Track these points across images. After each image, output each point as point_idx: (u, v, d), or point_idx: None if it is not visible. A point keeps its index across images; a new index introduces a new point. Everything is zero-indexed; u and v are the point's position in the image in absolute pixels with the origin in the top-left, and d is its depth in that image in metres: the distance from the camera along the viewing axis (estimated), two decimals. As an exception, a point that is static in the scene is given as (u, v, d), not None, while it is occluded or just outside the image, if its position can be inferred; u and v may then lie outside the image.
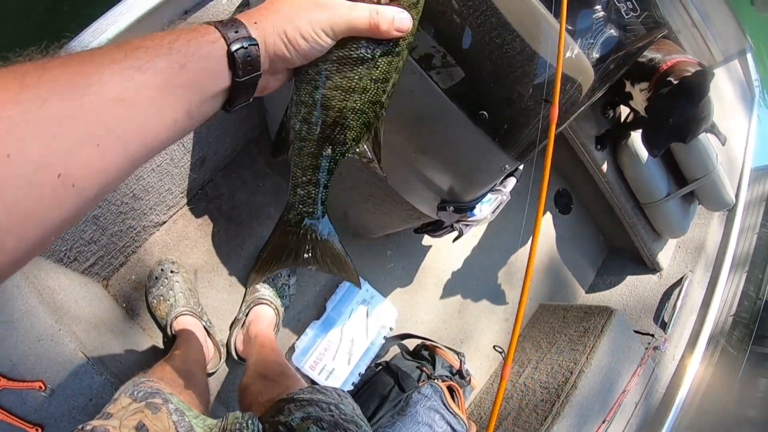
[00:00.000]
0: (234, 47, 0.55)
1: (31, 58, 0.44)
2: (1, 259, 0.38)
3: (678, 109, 1.71)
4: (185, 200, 1.85)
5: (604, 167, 2.23)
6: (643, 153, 2.13)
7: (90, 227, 1.49)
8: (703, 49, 2.17)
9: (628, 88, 1.90)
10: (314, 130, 0.72)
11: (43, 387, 1.19)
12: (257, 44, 0.58)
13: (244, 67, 0.56)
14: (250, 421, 0.92)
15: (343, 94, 0.68)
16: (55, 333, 1.23)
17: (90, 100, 0.41)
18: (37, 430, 1.18)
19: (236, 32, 0.56)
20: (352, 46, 0.65)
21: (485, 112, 1.06)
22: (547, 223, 2.56)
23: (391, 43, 0.67)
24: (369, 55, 0.66)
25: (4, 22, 2.35)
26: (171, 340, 1.64)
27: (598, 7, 1.13)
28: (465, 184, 1.24)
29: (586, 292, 2.63)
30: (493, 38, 1.01)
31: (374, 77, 0.68)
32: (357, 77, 0.67)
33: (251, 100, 0.62)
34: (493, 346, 2.19)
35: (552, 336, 2.17)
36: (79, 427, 0.88)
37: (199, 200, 1.89)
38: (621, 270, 2.67)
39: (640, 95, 1.84)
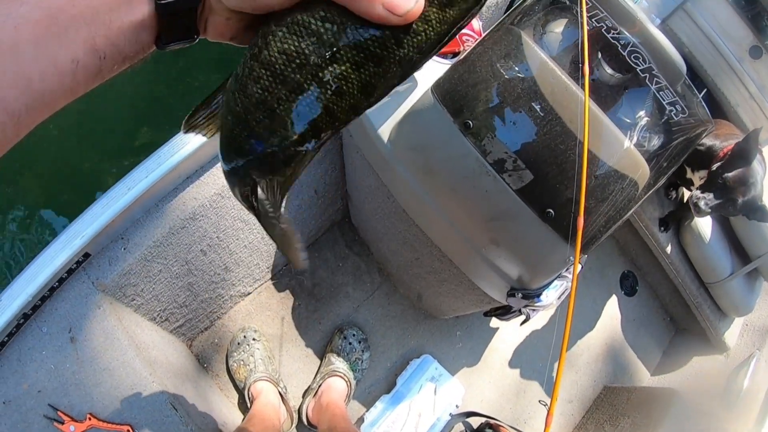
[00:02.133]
0: None
1: None
2: None
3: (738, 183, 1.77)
4: (270, 275, 1.99)
5: (668, 248, 2.25)
6: (707, 232, 2.14)
7: (184, 293, 1.64)
8: (763, 121, 2.17)
9: (689, 174, 1.95)
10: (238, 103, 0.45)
11: (131, 430, 1.30)
12: None
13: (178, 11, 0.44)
14: None
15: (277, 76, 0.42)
16: (148, 383, 1.35)
17: None
18: None
19: None
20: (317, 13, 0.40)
21: (552, 210, 1.17)
22: (612, 305, 2.56)
23: (384, 33, 0.40)
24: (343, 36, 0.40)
25: None
26: (247, 402, 1.74)
27: (648, 109, 1.22)
28: (533, 273, 1.33)
29: (652, 375, 2.60)
30: (558, 144, 1.13)
31: (338, 71, 0.41)
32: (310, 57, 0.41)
33: (195, 39, 0.47)
34: (539, 401, 2.18)
35: (615, 418, 2.16)
36: None
37: (282, 276, 2.04)
38: (687, 351, 2.61)
39: (698, 182, 1.89)
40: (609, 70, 1.25)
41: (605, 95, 1.24)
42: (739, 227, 2.18)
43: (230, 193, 1.38)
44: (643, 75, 1.24)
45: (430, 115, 1.24)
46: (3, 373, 1.29)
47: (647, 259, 2.46)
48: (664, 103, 1.25)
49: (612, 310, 2.57)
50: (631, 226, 2.31)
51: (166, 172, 1.27)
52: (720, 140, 1.84)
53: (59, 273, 1.27)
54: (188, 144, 1.29)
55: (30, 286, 1.22)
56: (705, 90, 2.15)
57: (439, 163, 1.28)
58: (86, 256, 1.33)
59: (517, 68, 1.18)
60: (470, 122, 1.19)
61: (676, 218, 2.23)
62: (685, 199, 2.23)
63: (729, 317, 2.45)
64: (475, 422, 2.03)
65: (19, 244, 2.39)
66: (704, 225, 2.11)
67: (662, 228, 2.22)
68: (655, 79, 1.24)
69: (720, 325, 2.44)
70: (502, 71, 1.18)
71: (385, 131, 1.34)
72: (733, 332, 2.50)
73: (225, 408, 1.77)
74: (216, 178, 1.43)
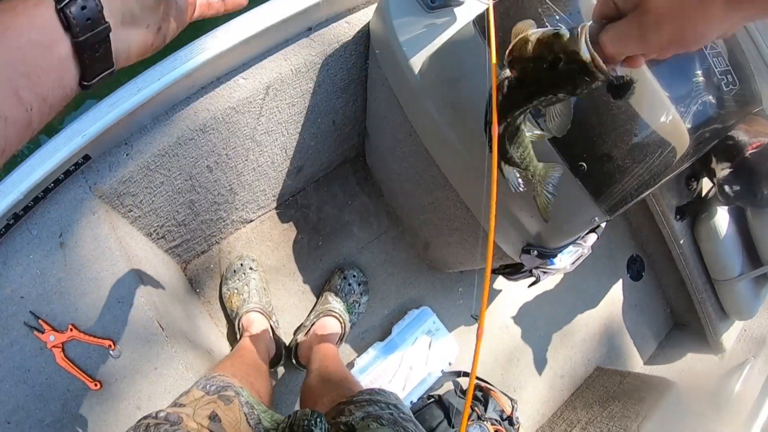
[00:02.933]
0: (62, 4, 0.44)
1: None
2: None
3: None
4: (275, 204, 1.93)
5: (681, 238, 2.21)
6: (722, 228, 2.10)
7: (184, 210, 1.58)
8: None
9: (713, 164, 1.89)
10: None
11: (113, 346, 1.25)
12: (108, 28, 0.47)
13: (82, 22, 0.44)
14: (318, 419, 0.92)
15: None
16: (136, 299, 1.29)
17: None
18: (96, 384, 1.23)
19: (87, 19, 0.45)
20: None
21: (584, 164, 1.10)
22: (616, 288, 2.53)
23: None
24: None
25: None
26: (236, 331, 1.70)
27: (700, 75, 1.14)
28: (554, 230, 1.26)
29: (645, 363, 2.58)
30: (601, 95, 1.05)
31: None
32: None
33: (114, 67, 0.50)
34: (471, 315, 2.16)
35: (606, 400, 2.14)
36: (153, 413, 0.92)
37: (288, 206, 1.97)
38: (683, 346, 2.59)
39: (720, 174, 1.83)
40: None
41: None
42: (756, 229, 2.13)
43: (245, 108, 1.31)
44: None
45: (468, 48, 1.15)
46: (-14, 274, 1.22)
47: (658, 246, 2.41)
48: (716, 70, 1.16)
49: (615, 292, 2.54)
50: (646, 210, 2.26)
51: (179, 77, 1.19)
52: (750, 135, 1.79)
53: (56, 173, 1.19)
54: (208, 50, 1.21)
55: (22, 184, 1.13)
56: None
57: (470, 100, 1.20)
58: (86, 158, 1.24)
59: (569, 9, 1.09)
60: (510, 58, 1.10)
61: (694, 210, 2.19)
62: (704, 192, 2.19)
63: (730, 319, 2.44)
64: (466, 383, 1.99)
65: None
66: (721, 220, 2.06)
67: (678, 217, 2.18)
68: (710, 43, 1.16)
69: (720, 325, 2.41)
70: (550, 10, 1.09)
71: (416, 62, 1.26)
72: (731, 335, 2.48)
73: (213, 335, 1.73)
74: (232, 91, 1.35)
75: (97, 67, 0.47)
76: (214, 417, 0.94)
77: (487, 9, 0.99)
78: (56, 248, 1.25)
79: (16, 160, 1.08)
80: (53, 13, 0.43)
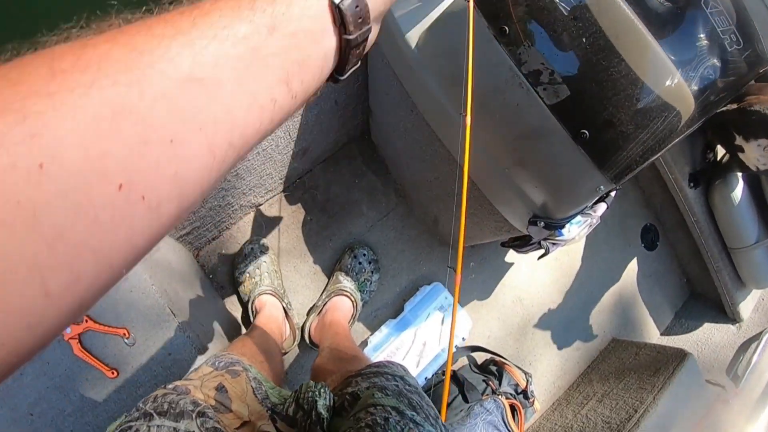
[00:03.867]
0: (347, 38, 0.44)
1: (68, 37, 0.32)
2: (51, 304, 0.27)
3: None
4: (283, 186, 1.93)
5: (695, 206, 2.19)
6: (737, 195, 2.07)
7: (191, 198, 1.58)
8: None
9: (739, 141, 1.86)
10: None
11: (127, 334, 1.27)
12: (369, 28, 0.47)
13: (354, 20, 0.44)
14: (322, 390, 0.92)
15: None
16: (147, 287, 1.30)
17: (153, 83, 0.30)
18: (113, 372, 1.25)
19: (360, 20, 0.45)
20: None
21: (587, 132, 1.09)
22: (629, 258, 2.51)
23: None
24: None
25: None
26: (250, 314, 1.72)
27: (702, 36, 1.12)
28: (559, 200, 1.26)
29: (661, 334, 2.56)
30: (600, 60, 1.04)
31: None
32: None
33: (359, 62, 0.50)
34: (447, 266, 2.13)
35: (621, 372, 2.13)
36: (162, 386, 0.94)
37: (296, 188, 1.98)
38: (700, 315, 2.58)
39: (754, 150, 1.80)
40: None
41: (653, 12, 1.14)
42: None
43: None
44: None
45: (462, 19, 1.13)
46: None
47: (672, 214, 2.39)
48: (718, 30, 1.14)
49: (629, 262, 2.52)
50: (659, 178, 2.23)
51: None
52: None
53: None
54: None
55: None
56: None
57: (467, 71, 1.19)
58: None
59: None
60: (506, 28, 1.09)
61: (707, 177, 2.16)
62: (719, 158, 2.16)
63: (747, 288, 2.41)
64: (480, 357, 2.00)
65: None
66: (736, 187, 2.05)
67: (692, 184, 2.15)
68: (712, 2, 1.14)
69: (737, 294, 2.39)
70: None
71: (413, 36, 1.25)
72: (748, 305, 2.46)
73: (227, 319, 1.75)
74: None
75: (351, 63, 0.47)
76: (220, 388, 0.96)
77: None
78: (63, 238, 1.27)
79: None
80: (325, 6, 0.42)
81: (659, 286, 2.58)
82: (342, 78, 0.48)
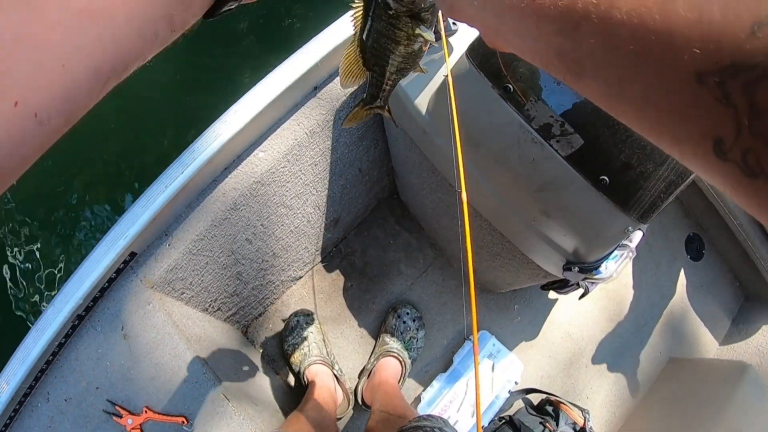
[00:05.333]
0: None
1: None
2: None
3: None
4: (320, 257, 1.99)
5: (736, 209, 2.15)
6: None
7: (233, 282, 1.65)
8: None
9: None
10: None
11: (186, 422, 1.33)
12: None
13: None
14: None
15: None
16: (199, 376, 1.36)
17: (51, 12, 0.33)
18: None
19: None
20: None
21: (606, 177, 1.10)
22: (677, 271, 2.46)
23: None
24: None
25: None
26: (303, 385, 1.76)
27: None
28: (589, 246, 1.26)
29: (720, 344, 2.49)
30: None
31: None
32: None
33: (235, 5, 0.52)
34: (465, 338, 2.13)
35: (682, 393, 2.08)
36: None
37: (333, 257, 2.03)
38: (758, 319, 2.49)
39: None
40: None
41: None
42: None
43: (270, 180, 1.37)
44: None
45: (466, 82, 1.17)
46: (62, 372, 1.33)
47: (714, 220, 2.34)
48: None
49: (677, 276, 2.46)
50: (695, 186, 2.20)
51: (201, 166, 1.26)
52: None
53: (107, 274, 1.29)
54: (221, 136, 1.28)
55: (80, 289, 1.25)
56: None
57: (480, 133, 1.22)
58: (132, 255, 1.34)
59: None
60: (510, 86, 1.12)
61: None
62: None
63: (803, 283, 2.34)
64: (535, 399, 1.99)
65: (68, 245, 2.47)
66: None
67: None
68: None
69: (792, 289, 2.33)
70: None
71: (422, 103, 1.29)
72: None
73: (281, 393, 1.79)
74: (254, 167, 1.42)
75: (226, 2, 0.49)
76: None
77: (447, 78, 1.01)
78: (120, 340, 1.34)
79: (72, 267, 1.19)
80: None
81: (712, 295, 2.53)
82: (216, 15, 0.49)
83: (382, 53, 0.73)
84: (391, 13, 0.65)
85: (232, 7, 0.50)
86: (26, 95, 0.32)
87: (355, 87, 0.82)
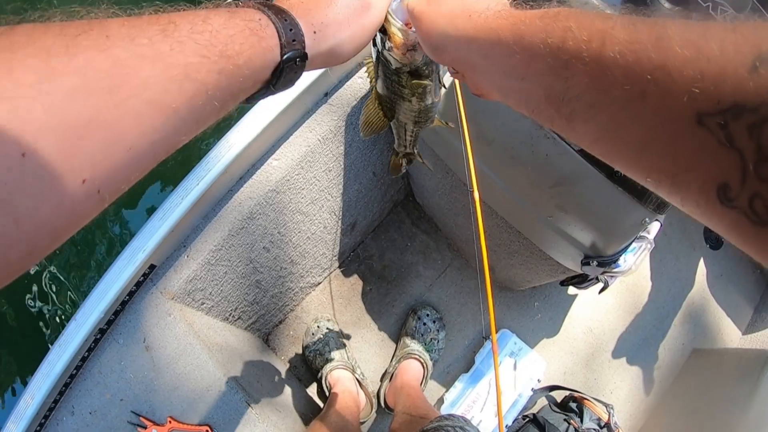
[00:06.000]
0: (286, 59, 0.50)
1: (50, 19, 0.37)
2: (5, 271, 0.31)
3: None
4: (338, 262, 1.99)
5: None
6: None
7: (253, 290, 1.66)
8: None
9: None
10: None
11: (210, 431, 1.34)
12: (306, 59, 0.53)
13: (284, 82, 0.52)
14: None
15: None
16: (222, 384, 1.37)
17: (126, 101, 0.35)
18: None
19: (293, 41, 0.51)
20: None
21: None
22: (696, 261, 2.44)
23: None
24: None
25: None
26: (325, 391, 1.76)
27: None
28: (606, 239, 1.26)
29: (744, 333, 2.47)
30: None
31: None
32: None
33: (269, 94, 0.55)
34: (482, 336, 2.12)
35: (706, 384, 2.06)
36: None
37: (351, 262, 2.03)
38: None
39: None
40: (667, 5, 1.15)
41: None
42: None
43: (285, 187, 1.38)
44: (705, 4, 1.13)
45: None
46: (87, 385, 1.34)
47: (732, 209, 2.32)
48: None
49: (696, 266, 2.44)
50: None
51: (216, 177, 1.27)
52: None
53: (128, 287, 1.30)
54: (235, 146, 1.28)
55: (102, 302, 1.26)
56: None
57: (492, 131, 1.22)
58: (151, 267, 1.35)
59: None
60: (521, 83, 1.12)
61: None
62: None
63: (822, 267, 2.30)
64: (559, 396, 1.98)
65: (88, 259, 2.49)
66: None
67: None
68: (720, 7, 1.14)
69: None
70: None
71: (432, 104, 1.29)
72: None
73: (304, 399, 1.79)
74: (269, 175, 1.42)
75: (260, 98, 0.53)
76: None
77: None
78: (143, 352, 1.35)
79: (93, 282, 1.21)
80: (274, 63, 0.49)
81: (733, 284, 2.50)
82: (252, 101, 0.53)
83: (397, 108, 0.76)
84: (393, 69, 0.68)
85: (266, 95, 0.53)
86: (94, 174, 0.33)
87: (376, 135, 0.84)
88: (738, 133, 0.26)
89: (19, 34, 0.32)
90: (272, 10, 0.50)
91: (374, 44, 0.68)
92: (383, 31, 0.63)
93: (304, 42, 0.52)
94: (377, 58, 0.70)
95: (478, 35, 0.48)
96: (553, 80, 0.38)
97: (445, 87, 0.81)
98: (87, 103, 0.32)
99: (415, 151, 0.96)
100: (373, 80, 0.75)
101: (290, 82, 0.54)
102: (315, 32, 0.54)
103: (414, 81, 0.69)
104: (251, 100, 0.52)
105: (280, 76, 0.51)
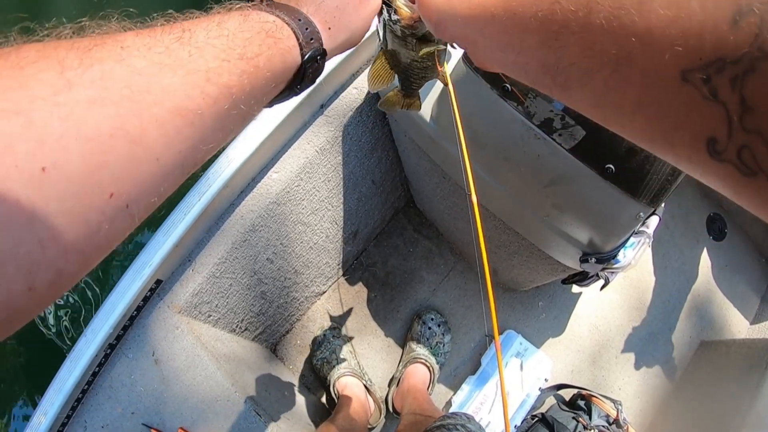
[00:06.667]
0: (307, 59, 0.51)
1: (59, 35, 0.36)
2: (32, 299, 0.29)
3: None
4: (342, 271, 2.02)
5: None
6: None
7: (258, 301, 1.68)
8: None
9: None
10: None
11: (220, 440, 1.36)
12: (326, 56, 0.54)
13: (307, 81, 0.53)
14: None
15: None
16: (231, 395, 1.40)
17: (150, 109, 0.34)
18: None
19: (311, 40, 0.51)
20: None
21: (611, 166, 1.10)
22: (700, 253, 2.44)
23: None
24: None
25: None
26: (334, 398, 1.78)
27: None
28: (603, 235, 1.27)
29: (751, 323, 2.46)
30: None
31: None
32: None
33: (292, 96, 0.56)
34: (485, 334, 2.11)
35: (715, 376, 2.06)
36: None
37: (355, 269, 2.06)
38: None
39: None
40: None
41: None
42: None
43: (285, 199, 1.40)
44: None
45: (466, 86, 1.19)
46: (98, 400, 1.37)
47: (735, 198, 2.31)
48: None
49: (701, 258, 2.44)
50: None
51: (217, 192, 1.29)
52: None
53: (135, 302, 1.33)
54: (234, 160, 1.31)
55: (110, 318, 1.29)
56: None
57: (485, 134, 1.24)
58: (158, 282, 1.38)
59: None
60: (508, 86, 1.13)
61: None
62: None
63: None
64: (567, 394, 1.99)
65: (96, 275, 2.53)
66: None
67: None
68: None
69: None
70: None
71: (426, 110, 1.31)
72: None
73: (313, 407, 1.82)
74: (269, 188, 1.45)
75: (281, 101, 0.54)
76: None
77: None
78: (152, 365, 1.38)
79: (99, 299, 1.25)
80: (296, 65, 0.50)
81: (739, 274, 2.50)
82: (274, 104, 0.53)
83: (403, 65, 0.79)
84: (399, 35, 0.70)
85: (290, 96, 0.53)
86: (120, 188, 0.32)
87: (384, 88, 0.86)
88: (721, 87, 0.26)
89: (29, 50, 0.31)
90: (284, 10, 0.51)
91: (379, 14, 0.70)
92: (387, 2, 0.65)
93: (321, 39, 0.53)
94: (384, 25, 0.72)
95: (473, 13, 0.49)
96: (546, 51, 0.39)
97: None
98: (107, 114, 0.31)
99: (417, 96, 0.98)
100: (381, 41, 0.77)
101: (312, 81, 0.54)
102: (330, 27, 0.55)
103: (424, 48, 0.71)
104: (274, 103, 0.52)
105: (303, 76, 0.51)
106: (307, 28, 0.51)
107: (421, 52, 0.72)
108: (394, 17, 0.66)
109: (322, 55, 0.53)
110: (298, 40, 0.50)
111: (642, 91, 0.32)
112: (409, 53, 0.75)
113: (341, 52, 0.61)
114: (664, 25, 0.29)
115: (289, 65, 0.49)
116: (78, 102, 0.30)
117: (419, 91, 0.95)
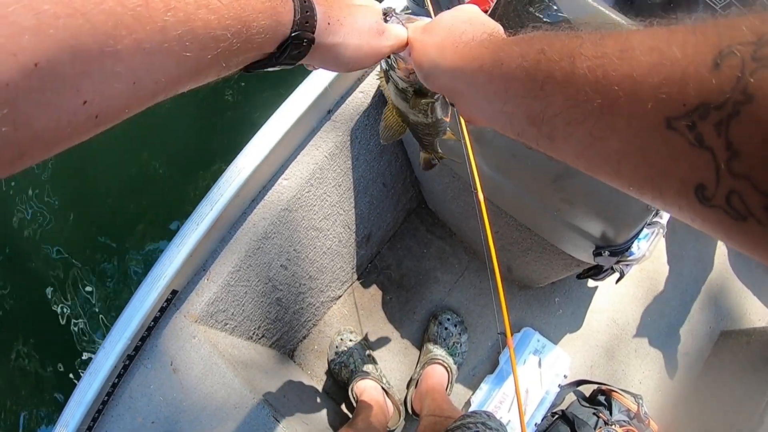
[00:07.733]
0: (295, 35, 0.52)
1: None
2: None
3: None
4: (356, 275, 2.02)
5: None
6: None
7: (275, 308, 1.69)
8: None
9: None
10: None
11: (239, 447, 1.37)
12: (313, 44, 0.55)
13: (286, 58, 0.53)
14: None
15: None
16: (249, 401, 1.40)
17: (138, 38, 0.36)
18: None
19: (306, 23, 0.53)
20: None
21: None
22: (716, 241, 2.40)
23: None
24: None
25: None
26: (353, 402, 1.78)
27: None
28: (615, 228, 1.26)
29: (773, 310, 2.44)
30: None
31: None
32: None
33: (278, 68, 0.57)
34: (498, 333, 2.08)
35: (736, 366, 2.04)
36: None
37: (369, 273, 2.06)
38: None
39: None
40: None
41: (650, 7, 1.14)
42: None
43: (297, 205, 1.41)
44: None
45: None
46: (118, 410, 1.38)
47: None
48: (717, 7, 1.13)
49: (717, 246, 2.41)
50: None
51: (228, 202, 1.31)
52: None
53: (152, 313, 1.35)
54: (244, 169, 1.32)
55: (128, 329, 1.30)
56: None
57: (491, 131, 1.22)
58: (174, 293, 1.39)
59: (555, 7, 1.11)
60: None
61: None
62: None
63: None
64: (587, 390, 1.98)
65: (113, 288, 2.55)
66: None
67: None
68: (711, 5, 1.14)
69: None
70: (537, 15, 1.11)
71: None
72: None
73: (332, 411, 1.82)
74: (280, 195, 1.46)
75: (261, 68, 0.54)
76: None
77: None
78: (170, 375, 1.40)
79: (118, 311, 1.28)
80: (285, 34, 0.51)
81: (755, 261, 2.42)
82: (248, 73, 0.54)
83: (409, 120, 0.81)
84: (400, 87, 0.72)
85: (266, 66, 0.54)
86: (95, 99, 0.35)
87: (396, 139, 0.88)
88: (707, 133, 0.26)
89: None
90: None
91: (386, 62, 0.72)
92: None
93: (315, 27, 0.54)
94: (387, 74, 0.74)
95: (463, 64, 0.50)
96: (532, 101, 0.40)
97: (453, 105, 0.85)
98: (107, 35, 0.33)
99: (438, 151, 1.02)
100: (387, 90, 0.79)
101: (291, 62, 0.55)
102: (329, 24, 0.56)
103: (419, 99, 0.72)
104: (251, 69, 0.53)
105: (285, 51, 0.52)
106: (307, 12, 0.52)
107: (412, 104, 0.74)
108: (394, 65, 0.69)
109: (309, 41, 0.54)
110: (294, 16, 0.51)
111: (627, 140, 0.32)
112: (408, 108, 0.76)
113: (325, 62, 0.61)
114: (647, 73, 0.29)
115: (277, 36, 0.50)
116: (85, 19, 0.32)
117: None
